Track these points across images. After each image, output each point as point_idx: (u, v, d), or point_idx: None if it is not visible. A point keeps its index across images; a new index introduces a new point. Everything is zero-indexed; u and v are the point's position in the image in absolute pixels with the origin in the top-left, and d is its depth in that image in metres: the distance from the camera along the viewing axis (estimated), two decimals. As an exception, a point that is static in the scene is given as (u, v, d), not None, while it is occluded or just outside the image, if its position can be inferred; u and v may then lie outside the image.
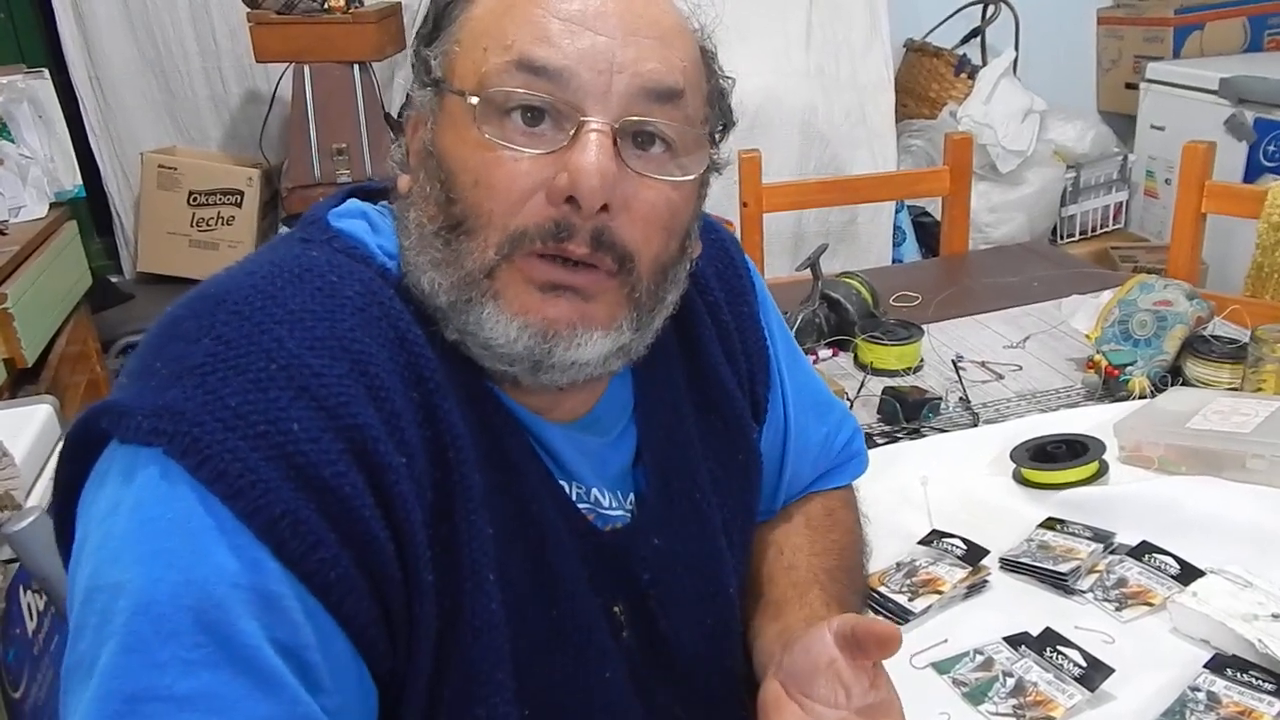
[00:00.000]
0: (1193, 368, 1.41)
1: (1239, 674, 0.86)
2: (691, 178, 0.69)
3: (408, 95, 0.73)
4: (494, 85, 0.64)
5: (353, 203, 0.74)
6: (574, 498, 0.74)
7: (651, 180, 0.66)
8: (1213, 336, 1.45)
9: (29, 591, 1.15)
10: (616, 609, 0.75)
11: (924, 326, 1.58)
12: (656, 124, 0.66)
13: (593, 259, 0.65)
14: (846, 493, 1.01)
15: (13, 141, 2.32)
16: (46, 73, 2.49)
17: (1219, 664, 0.88)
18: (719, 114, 0.73)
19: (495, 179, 0.64)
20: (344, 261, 0.66)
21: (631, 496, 0.78)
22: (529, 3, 0.65)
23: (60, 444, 1.33)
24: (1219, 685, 0.85)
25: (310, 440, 0.56)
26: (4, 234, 2.13)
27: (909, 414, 1.36)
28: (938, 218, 2.99)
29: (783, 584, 0.88)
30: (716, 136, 0.73)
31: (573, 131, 0.64)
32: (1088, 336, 1.55)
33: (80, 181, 2.57)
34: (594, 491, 0.75)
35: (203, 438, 0.55)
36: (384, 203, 0.75)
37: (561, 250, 0.64)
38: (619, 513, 0.77)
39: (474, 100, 0.64)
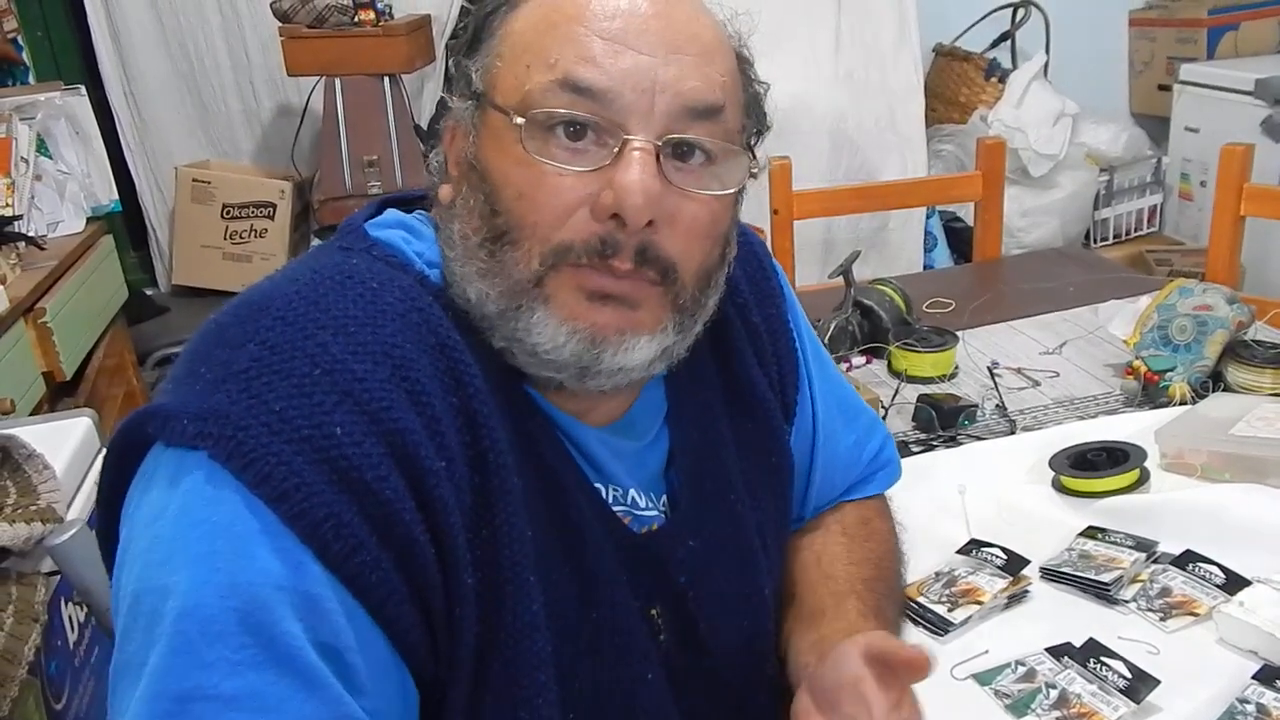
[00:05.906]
0: (1234, 373, 1.38)
1: (1290, 686, 0.84)
2: (731, 191, 0.70)
3: (442, 102, 0.73)
4: (538, 105, 0.65)
5: (390, 212, 0.75)
6: (610, 500, 0.74)
7: (694, 193, 0.67)
8: (1254, 341, 1.42)
9: (70, 604, 1.16)
10: (654, 611, 0.75)
11: (958, 333, 1.57)
12: (698, 140, 0.67)
13: (637, 274, 0.66)
14: (880, 502, 1.00)
15: (50, 158, 2.36)
16: (83, 89, 2.53)
17: (1268, 675, 0.86)
18: (755, 121, 0.74)
19: (539, 193, 0.65)
20: (384, 269, 0.67)
21: (664, 499, 0.79)
22: (571, 20, 0.65)
23: (101, 455, 1.35)
24: (1268, 697, 0.84)
25: (353, 444, 0.57)
26: (42, 249, 2.17)
27: (945, 422, 1.35)
28: (969, 222, 2.98)
29: (820, 593, 0.87)
30: (752, 143, 0.73)
31: (616, 149, 0.65)
32: (1126, 342, 1.53)
33: (116, 196, 2.60)
34: (630, 493, 0.76)
35: (248, 441, 0.55)
36: (420, 211, 0.76)
37: (607, 266, 0.65)
38: (654, 514, 0.77)
39: (519, 121, 0.65)
